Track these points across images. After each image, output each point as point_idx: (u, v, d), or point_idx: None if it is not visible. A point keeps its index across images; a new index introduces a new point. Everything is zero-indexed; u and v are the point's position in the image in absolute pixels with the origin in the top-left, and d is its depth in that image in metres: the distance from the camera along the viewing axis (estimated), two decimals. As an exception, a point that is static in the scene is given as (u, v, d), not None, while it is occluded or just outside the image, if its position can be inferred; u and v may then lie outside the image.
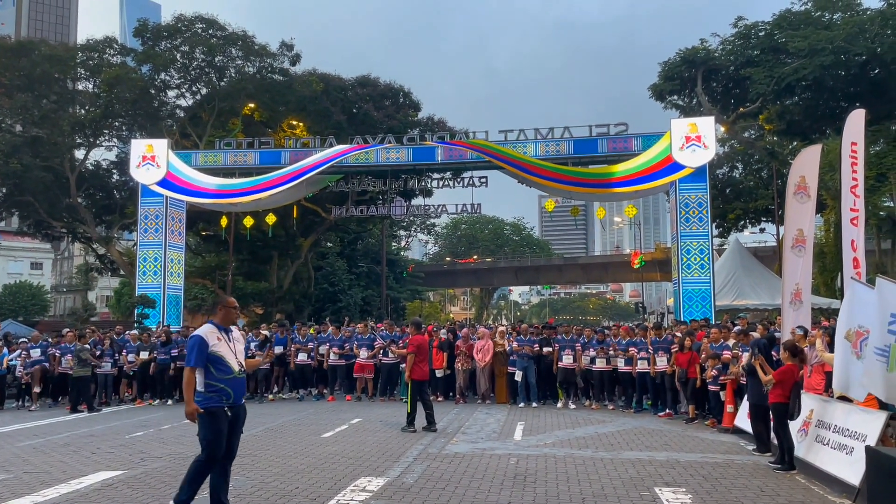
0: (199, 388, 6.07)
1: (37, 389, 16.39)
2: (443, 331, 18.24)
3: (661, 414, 13.93)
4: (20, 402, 16.81)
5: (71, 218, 34.76)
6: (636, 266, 51.59)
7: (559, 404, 15.48)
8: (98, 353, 16.74)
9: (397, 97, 38.04)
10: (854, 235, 9.39)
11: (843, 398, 9.15)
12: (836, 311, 23.65)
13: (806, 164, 10.77)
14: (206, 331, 6.22)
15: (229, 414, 6.15)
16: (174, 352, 16.84)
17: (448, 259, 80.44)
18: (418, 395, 11.93)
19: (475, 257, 79.37)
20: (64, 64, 32.77)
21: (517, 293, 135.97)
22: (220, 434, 6.07)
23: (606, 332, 16.47)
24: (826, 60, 26.68)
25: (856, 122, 9.91)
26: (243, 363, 6.39)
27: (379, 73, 38.98)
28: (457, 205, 26.13)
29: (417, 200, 36.77)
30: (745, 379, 10.23)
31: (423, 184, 29.52)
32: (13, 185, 31.52)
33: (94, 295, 72.00)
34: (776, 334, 12.64)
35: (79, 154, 34.22)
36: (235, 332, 6.49)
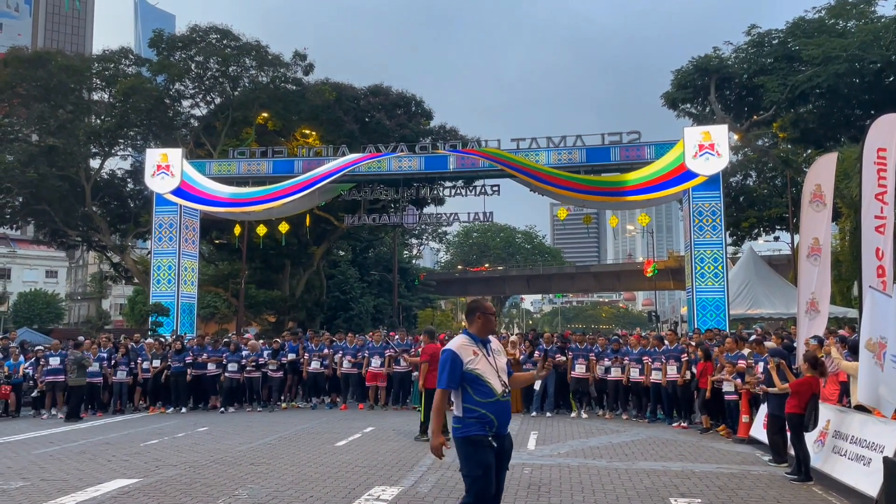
0: (457, 412, 5.00)
1: (58, 402, 16.52)
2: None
3: (674, 424, 13.84)
4: (37, 411, 16.90)
5: (86, 226, 35.05)
6: (649, 274, 51.31)
7: (572, 414, 15.42)
8: (113, 361, 16.88)
9: (409, 106, 38.17)
10: (880, 243, 9.25)
11: (861, 408, 9.07)
12: (851, 320, 23.48)
13: (821, 172, 10.71)
14: (460, 344, 5.05)
15: (494, 445, 4.91)
16: (188, 359, 16.94)
17: (460, 267, 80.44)
18: (432, 404, 11.89)
19: (487, 265, 79.34)
20: (80, 74, 33.14)
21: (529, 301, 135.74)
22: (488, 469, 4.87)
23: (620, 340, 16.37)
24: (840, 68, 26.53)
25: (884, 128, 9.74)
26: (507, 381, 5.12)
27: (390, 83, 38.89)
28: (469, 213, 26.20)
29: (429, 209, 36.90)
30: (760, 389, 10.15)
31: (435, 192, 29.61)
32: (29, 194, 31.84)
33: (109, 303, 72.47)
34: (793, 343, 12.56)
35: (94, 163, 34.54)
36: (495, 344, 5.26)
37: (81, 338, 18.70)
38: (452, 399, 5.03)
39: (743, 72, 30.44)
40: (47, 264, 74.09)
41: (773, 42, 30.27)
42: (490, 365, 5.01)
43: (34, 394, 16.96)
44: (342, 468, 9.31)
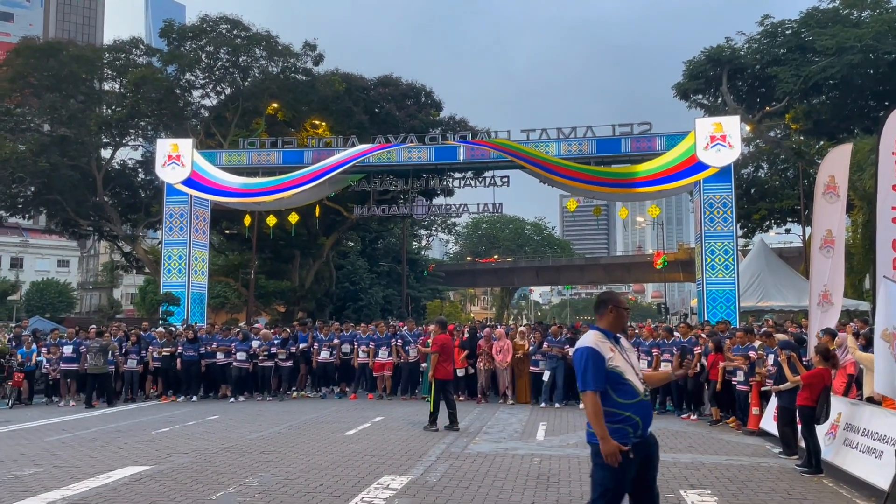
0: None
1: (71, 390, 16.70)
2: (464, 331, 18.24)
3: (683, 416, 13.81)
4: (50, 398, 17.06)
5: (97, 216, 35.25)
6: (659, 267, 51.17)
7: (581, 405, 15.39)
8: (123, 350, 16.99)
9: (419, 97, 38.10)
10: None
11: (871, 400, 9.03)
12: (863, 313, 23.34)
13: (835, 163, 10.60)
14: (596, 340, 4.55)
15: (631, 456, 4.41)
16: (202, 349, 17.06)
17: (469, 258, 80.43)
18: (441, 394, 11.94)
19: (496, 257, 79.28)
20: (91, 64, 33.25)
21: (538, 293, 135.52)
22: (622, 480, 4.43)
23: (637, 331, 16.30)
24: (854, 59, 26.29)
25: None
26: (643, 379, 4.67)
27: (399, 74, 38.83)
28: (478, 204, 26.12)
29: (439, 200, 36.83)
30: (771, 382, 10.09)
31: (445, 183, 29.54)
32: (41, 183, 32.04)
33: (120, 292, 72.98)
34: (803, 335, 12.49)
35: (105, 153, 34.70)
36: (624, 341, 4.81)
37: (93, 326, 18.82)
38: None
39: (755, 62, 30.21)
40: (59, 254, 74.64)
41: (787, 32, 30.01)
42: (627, 362, 4.59)
43: (49, 381, 17.12)
44: (351, 457, 9.34)
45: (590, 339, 4.57)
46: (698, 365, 13.60)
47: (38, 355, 17.03)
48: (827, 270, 10.38)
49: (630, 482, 4.48)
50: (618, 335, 4.70)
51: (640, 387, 4.53)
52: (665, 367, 14.18)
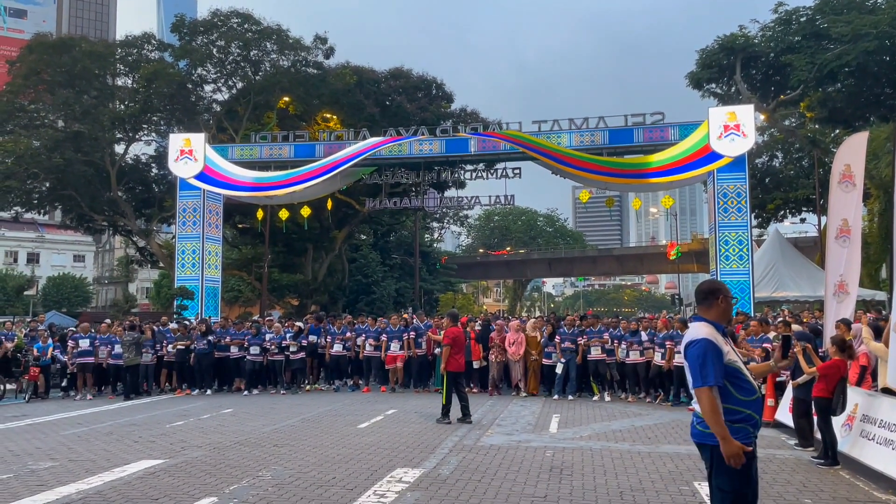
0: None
1: (88, 384, 16.89)
2: (477, 323, 18.22)
3: (690, 407, 13.69)
4: (66, 392, 17.21)
5: (112, 211, 35.47)
6: (672, 257, 50.89)
7: (595, 397, 15.36)
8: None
9: (430, 89, 37.99)
10: None
11: (888, 391, 8.92)
12: (880, 303, 23.10)
13: (851, 152, 10.45)
14: (711, 332, 4.19)
15: (756, 455, 4.18)
16: (215, 340, 17.18)
17: (481, 251, 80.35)
18: (454, 387, 11.93)
19: (508, 249, 79.14)
20: (104, 60, 33.37)
21: (550, 285, 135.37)
22: (753, 481, 4.16)
23: (638, 322, 16.18)
24: (870, 46, 25.87)
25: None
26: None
27: (409, 66, 38.68)
28: (490, 196, 26.13)
29: (450, 192, 36.76)
30: (793, 383, 9.95)
31: (457, 175, 29.50)
32: (56, 179, 32.27)
33: (135, 287, 73.48)
34: (819, 326, 12.37)
35: (119, 149, 34.86)
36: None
37: (107, 320, 18.97)
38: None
39: (770, 50, 29.83)
40: (75, 249, 75.25)
41: (801, 20, 29.59)
42: (739, 356, 4.27)
43: (66, 378, 17.29)
44: (364, 450, 9.36)
45: (704, 331, 4.19)
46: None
47: (54, 350, 17.17)
48: (843, 260, 10.25)
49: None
50: (726, 328, 4.38)
51: (756, 383, 4.27)
52: (679, 360, 14.10)
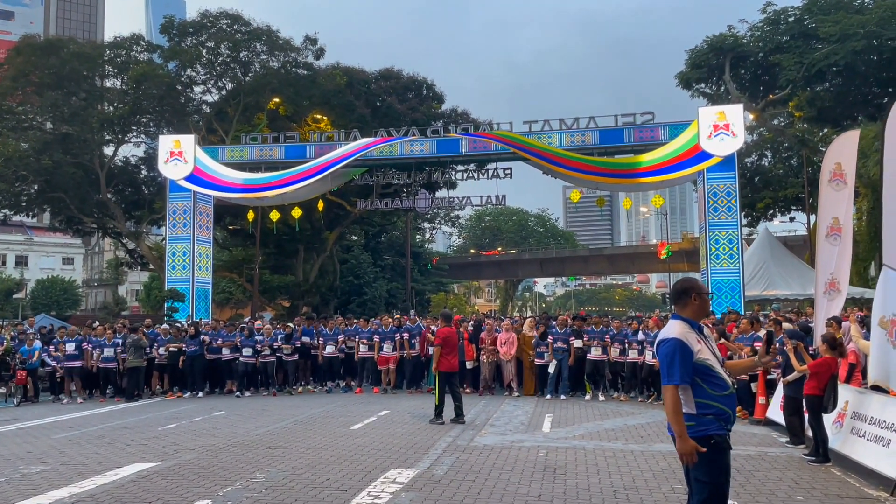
0: (688, 409, 4.28)
1: (76, 387, 16.80)
2: (469, 323, 18.22)
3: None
4: (56, 395, 17.10)
5: (101, 213, 35.30)
6: (663, 256, 51.12)
7: (587, 396, 15.40)
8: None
9: (420, 89, 38.02)
10: None
11: (877, 388, 8.99)
12: (869, 301, 23.26)
13: (842, 150, 10.50)
14: (682, 331, 4.35)
15: (731, 446, 4.39)
16: (207, 342, 17.10)
17: (472, 251, 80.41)
18: (447, 387, 11.93)
19: (500, 249, 79.22)
20: (92, 61, 33.21)
21: (542, 285, 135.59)
22: (728, 471, 4.35)
23: (639, 323, 16.24)
24: (858, 45, 26.10)
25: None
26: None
27: (399, 66, 38.68)
28: (482, 196, 26.18)
29: (442, 193, 36.82)
30: (783, 381, 10.00)
31: (448, 176, 29.53)
32: (45, 181, 32.08)
33: (125, 289, 73.06)
34: (809, 324, 12.43)
35: (108, 150, 34.70)
36: (706, 330, 4.62)
37: (96, 323, 18.85)
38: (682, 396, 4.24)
39: (758, 50, 30.05)
40: (63, 251, 74.81)
41: (790, 19, 29.82)
42: (713, 353, 4.39)
43: (53, 382, 17.18)
44: (358, 451, 9.35)
45: (675, 329, 4.35)
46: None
47: (42, 353, 17.01)
48: (833, 258, 10.29)
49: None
50: (701, 325, 4.52)
51: (729, 379, 4.40)
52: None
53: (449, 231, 74.42)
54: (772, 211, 36.00)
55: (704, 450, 4.19)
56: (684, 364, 4.24)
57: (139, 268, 45.12)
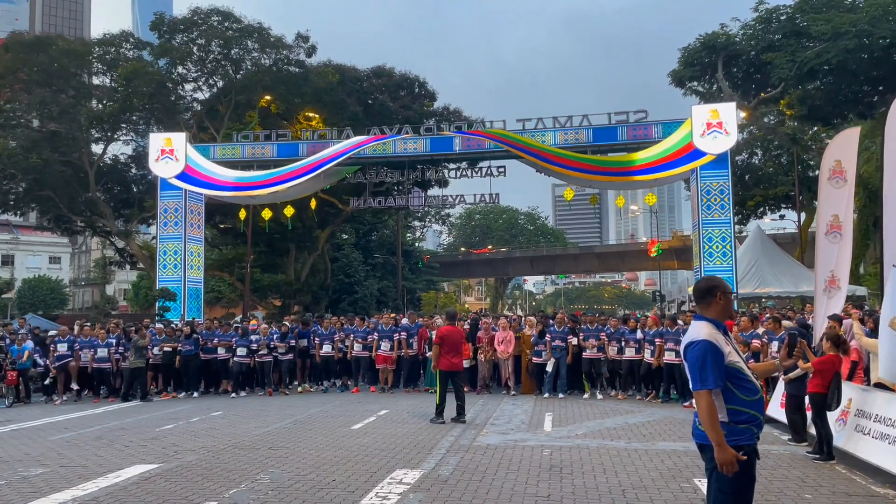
0: (720, 417, 4.00)
1: (75, 387, 16.65)
2: (466, 322, 18.17)
3: (685, 404, 13.77)
4: (48, 396, 16.91)
5: (90, 212, 34.97)
6: (653, 254, 51.26)
7: (585, 395, 15.39)
8: (121, 347, 16.85)
9: (413, 87, 37.91)
10: None
11: (881, 385, 9.02)
12: (860, 298, 23.40)
13: (842, 147, 10.54)
14: (711, 332, 4.10)
15: (759, 457, 4.18)
16: (205, 342, 16.98)
17: (463, 249, 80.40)
18: (448, 386, 11.87)
19: (490, 247, 79.26)
20: (81, 58, 32.90)
21: (532, 283, 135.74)
22: (751, 485, 4.13)
23: (636, 321, 16.26)
24: (849, 44, 26.28)
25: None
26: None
27: (384, 62, 38.66)
28: (475, 195, 26.08)
29: (434, 191, 36.78)
30: (785, 378, 10.01)
31: (440, 174, 29.46)
32: (33, 179, 31.71)
33: (112, 288, 72.52)
34: (807, 321, 12.49)
35: (97, 148, 34.40)
36: (729, 331, 4.38)
37: (86, 323, 18.65)
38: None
39: (751, 48, 30.21)
40: (50, 250, 74.15)
41: (782, 18, 30.01)
42: (740, 355, 4.16)
43: (46, 381, 16.98)
44: (361, 451, 9.28)
45: (704, 331, 4.09)
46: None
47: (33, 353, 16.81)
48: (833, 256, 10.33)
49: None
50: (725, 325, 4.28)
51: (758, 382, 4.16)
52: (669, 357, 14.17)
53: (439, 229, 74.43)
54: (762, 209, 36.20)
55: (745, 458, 3.96)
56: (717, 367, 3.98)
57: (128, 267, 44.77)
